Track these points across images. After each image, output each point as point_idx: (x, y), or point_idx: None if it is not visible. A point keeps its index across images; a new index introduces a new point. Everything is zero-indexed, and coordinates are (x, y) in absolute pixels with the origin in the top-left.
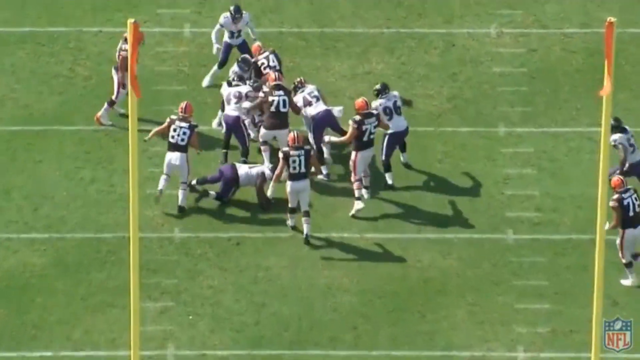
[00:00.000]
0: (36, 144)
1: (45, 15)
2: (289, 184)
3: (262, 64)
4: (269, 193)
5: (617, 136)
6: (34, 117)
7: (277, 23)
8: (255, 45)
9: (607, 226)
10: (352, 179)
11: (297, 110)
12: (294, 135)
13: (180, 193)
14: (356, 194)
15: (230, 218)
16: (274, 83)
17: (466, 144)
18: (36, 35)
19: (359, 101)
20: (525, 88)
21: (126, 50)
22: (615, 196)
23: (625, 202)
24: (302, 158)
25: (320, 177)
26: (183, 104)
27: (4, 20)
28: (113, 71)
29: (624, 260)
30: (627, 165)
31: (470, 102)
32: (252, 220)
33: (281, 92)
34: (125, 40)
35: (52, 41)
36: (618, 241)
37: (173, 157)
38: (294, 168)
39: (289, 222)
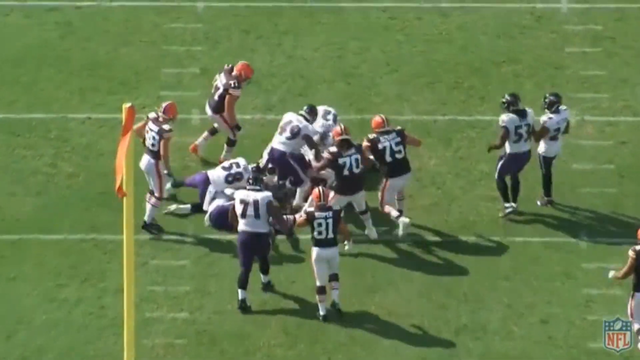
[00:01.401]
0: (9, 256)
1: (22, 98)
2: (314, 250)
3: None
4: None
5: (505, 117)
6: (7, 224)
7: None
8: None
9: (611, 274)
10: (380, 204)
11: (369, 162)
12: (319, 192)
13: (146, 205)
14: (393, 214)
15: (247, 347)
16: (341, 138)
17: (539, 257)
18: (10, 123)
19: (377, 119)
20: (613, 189)
21: (234, 87)
22: (638, 248)
23: None
24: (330, 221)
25: (347, 247)
26: (165, 103)
27: None
28: (211, 114)
29: (636, 326)
30: (506, 153)
31: (544, 207)
32: (274, 351)
33: (352, 150)
34: (230, 72)
35: (30, 130)
36: (630, 305)
37: (143, 159)
38: (320, 232)
39: (320, 311)
